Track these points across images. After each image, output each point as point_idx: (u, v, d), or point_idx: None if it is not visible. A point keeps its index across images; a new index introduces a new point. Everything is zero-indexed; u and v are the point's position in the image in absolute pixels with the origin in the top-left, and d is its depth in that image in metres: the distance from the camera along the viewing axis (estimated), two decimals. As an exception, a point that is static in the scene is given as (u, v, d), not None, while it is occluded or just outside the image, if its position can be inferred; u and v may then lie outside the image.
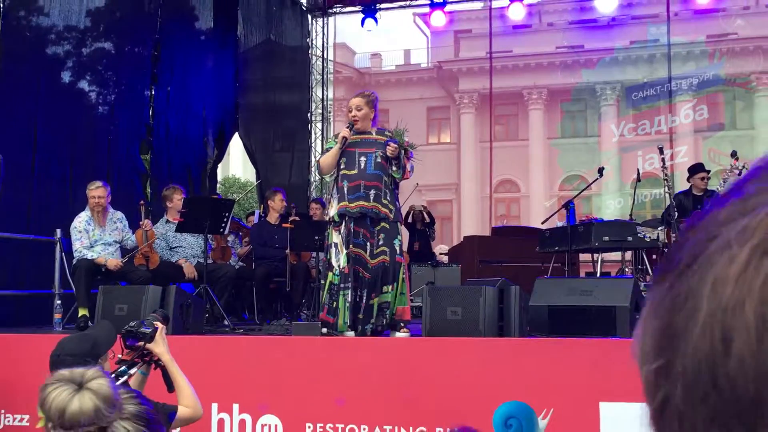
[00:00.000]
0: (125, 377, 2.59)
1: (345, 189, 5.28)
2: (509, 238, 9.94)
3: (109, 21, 8.97)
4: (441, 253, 11.47)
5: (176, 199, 7.35)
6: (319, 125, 13.11)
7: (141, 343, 2.72)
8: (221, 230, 7.08)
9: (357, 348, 5.06)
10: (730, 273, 0.37)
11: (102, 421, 1.43)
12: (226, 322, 6.56)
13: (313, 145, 12.95)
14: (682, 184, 8.69)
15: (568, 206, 7.14)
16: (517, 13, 11.74)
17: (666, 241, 6.82)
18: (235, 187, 23.65)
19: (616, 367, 4.40)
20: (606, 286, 5.22)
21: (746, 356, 0.35)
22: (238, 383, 4.95)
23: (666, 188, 6.65)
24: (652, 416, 0.42)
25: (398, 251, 5.29)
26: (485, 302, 4.92)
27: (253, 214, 10.22)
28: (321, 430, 4.76)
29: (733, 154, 7.18)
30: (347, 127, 5.40)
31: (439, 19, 12.25)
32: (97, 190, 6.69)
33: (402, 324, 5.31)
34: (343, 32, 15.01)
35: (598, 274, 6.97)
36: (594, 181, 8.36)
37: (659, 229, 6.72)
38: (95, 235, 6.68)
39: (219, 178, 15.31)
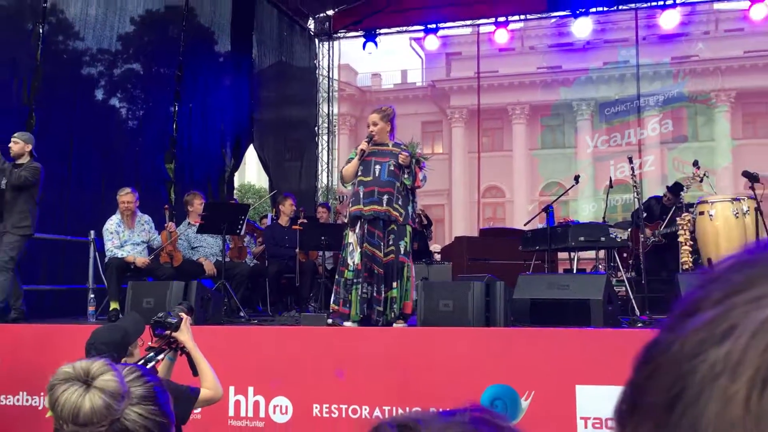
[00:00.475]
0: (153, 362, 2.60)
1: (361, 194, 5.28)
2: (495, 239, 9.93)
3: (138, 45, 8.98)
4: (435, 252, 11.46)
5: (196, 204, 7.35)
6: (325, 137, 13.10)
7: (168, 332, 2.73)
8: (238, 231, 7.08)
9: (359, 337, 5.05)
10: (732, 415, 0.29)
11: (114, 415, 1.35)
12: (242, 314, 6.55)
13: (319, 155, 12.94)
14: (650, 191, 8.70)
15: (548, 210, 7.13)
16: (502, 38, 11.74)
17: (632, 240, 6.82)
18: (250, 193, 23.62)
19: (591, 354, 4.40)
20: (581, 281, 5.22)
21: None
22: (252, 368, 4.94)
23: (635, 194, 6.64)
24: None
25: (402, 251, 5.26)
26: (474, 296, 4.92)
27: (266, 217, 10.21)
28: (327, 409, 4.76)
29: (695, 164, 7.18)
30: (366, 140, 5.40)
31: (432, 42, 12.25)
32: (126, 196, 6.69)
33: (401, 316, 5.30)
34: (346, 54, 15.03)
35: (575, 271, 6.96)
36: (571, 188, 8.36)
37: (629, 230, 6.72)
38: (125, 236, 6.67)
39: (235, 184, 15.31)
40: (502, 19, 11.48)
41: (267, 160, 11.48)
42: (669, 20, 11.15)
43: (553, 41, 24.45)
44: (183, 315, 2.78)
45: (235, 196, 12.68)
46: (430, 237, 10.90)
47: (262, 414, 4.87)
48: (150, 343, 2.73)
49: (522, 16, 12.08)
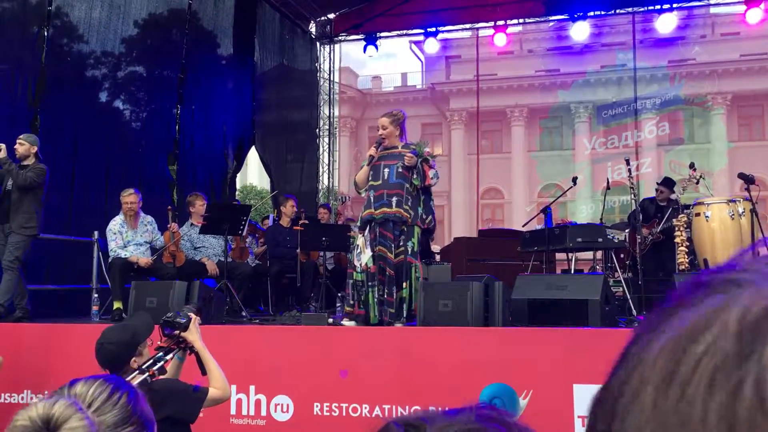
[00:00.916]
0: (162, 362, 2.60)
1: (372, 198, 5.28)
2: (494, 239, 9.93)
3: (141, 47, 8.98)
4: (434, 253, 11.45)
5: (198, 205, 7.35)
6: (326, 139, 13.10)
7: (177, 332, 2.73)
8: (240, 232, 7.08)
9: (359, 336, 5.05)
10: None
11: None
12: (243, 314, 6.55)
13: (320, 156, 12.94)
14: (647, 192, 8.70)
15: (546, 211, 7.13)
16: (501, 41, 11.75)
17: (629, 241, 6.82)
18: (252, 194, 23.62)
19: (588, 353, 4.40)
20: (579, 282, 5.22)
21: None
22: (254, 367, 4.95)
23: (632, 195, 6.65)
24: None
25: (410, 252, 5.25)
26: (473, 296, 4.92)
27: (267, 218, 10.22)
28: (327, 408, 4.76)
29: (691, 166, 7.18)
30: (375, 145, 5.39)
31: (432, 46, 12.26)
32: (129, 197, 6.69)
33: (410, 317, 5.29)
34: (347, 57, 15.06)
35: (572, 271, 6.96)
36: (569, 189, 8.35)
37: (626, 231, 6.72)
38: (128, 237, 6.67)
39: (237, 186, 15.31)
40: (501, 22, 11.48)
41: (268, 162, 11.48)
42: (666, 24, 11.16)
43: (551, 45, 24.46)
44: (192, 315, 2.78)
45: (237, 198, 12.68)
46: (432, 238, 10.89)
47: (263, 412, 4.87)
48: (159, 343, 2.74)
49: (521, 20, 12.08)
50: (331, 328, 5.21)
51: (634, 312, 5.67)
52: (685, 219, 6.38)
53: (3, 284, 5.88)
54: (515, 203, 25.28)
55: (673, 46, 21.60)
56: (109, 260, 6.63)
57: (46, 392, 5.22)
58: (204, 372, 2.78)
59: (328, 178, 13.01)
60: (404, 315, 5.21)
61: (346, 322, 5.28)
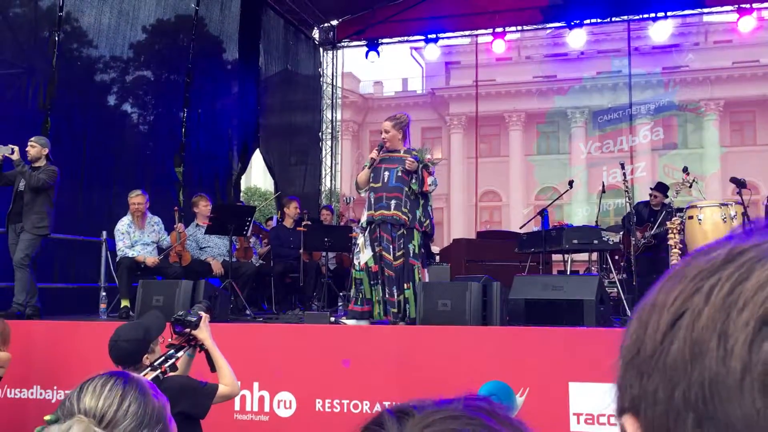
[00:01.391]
0: (173, 359, 2.61)
1: (372, 200, 5.28)
2: (492, 241, 9.93)
3: (149, 52, 9.00)
4: (434, 254, 11.46)
5: (202, 205, 7.35)
6: (329, 142, 13.11)
7: (187, 330, 2.73)
8: (244, 233, 7.08)
9: (360, 334, 5.06)
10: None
11: None
12: (248, 312, 6.56)
13: (323, 159, 12.95)
14: (641, 196, 8.70)
15: (543, 213, 7.14)
16: (499, 48, 11.76)
17: (623, 244, 6.83)
18: (256, 196, 23.63)
19: (584, 352, 4.41)
20: (575, 283, 5.23)
21: (652, 334, 0.43)
22: (257, 364, 4.95)
23: (627, 198, 6.65)
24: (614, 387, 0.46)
25: (411, 254, 5.24)
26: (471, 296, 4.93)
27: (271, 219, 10.22)
28: (329, 404, 4.77)
29: (685, 170, 7.18)
30: (377, 148, 5.38)
31: (432, 52, 12.28)
32: (137, 198, 6.70)
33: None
34: (349, 63, 15.01)
35: (568, 272, 6.97)
36: (565, 192, 8.36)
37: (620, 233, 6.72)
38: (135, 237, 6.68)
39: (242, 187, 15.30)
40: (499, 30, 11.49)
41: (272, 164, 11.49)
42: (660, 32, 11.16)
43: (548, 51, 24.49)
44: (202, 314, 2.79)
45: (241, 199, 12.68)
46: (432, 240, 10.89)
47: (266, 408, 4.87)
48: (170, 340, 2.74)
49: (519, 27, 12.10)
50: (332, 327, 5.21)
51: (629, 312, 5.67)
52: (679, 222, 6.38)
53: (18, 284, 5.90)
54: (513, 206, 25.29)
55: (667, 53, 21.63)
56: (117, 259, 6.64)
57: (55, 387, 5.24)
58: (213, 369, 2.79)
59: (331, 180, 13.02)
60: (408, 315, 5.21)
61: (347, 321, 5.29)
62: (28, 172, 5.91)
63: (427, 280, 5.41)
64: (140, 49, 8.77)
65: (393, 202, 5.20)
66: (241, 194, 13.17)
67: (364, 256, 5.23)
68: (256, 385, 4.91)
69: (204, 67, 9.69)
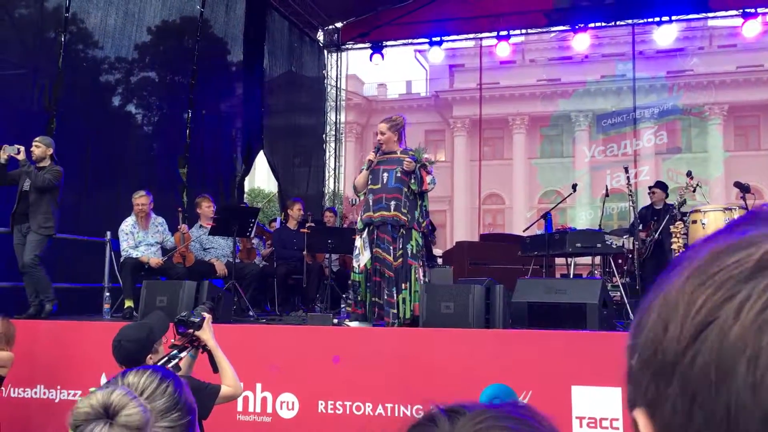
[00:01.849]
0: (177, 360, 2.61)
1: (370, 201, 5.28)
2: (495, 244, 9.93)
3: (154, 54, 9.02)
4: (436, 256, 11.46)
5: (205, 206, 7.36)
6: (333, 144, 13.13)
7: (191, 331, 2.74)
8: (248, 234, 7.09)
9: (363, 336, 5.06)
10: (675, 286, 0.42)
11: None
12: (251, 313, 6.57)
13: (327, 161, 12.96)
14: (644, 200, 8.69)
15: (546, 217, 7.14)
16: (503, 51, 11.77)
17: (630, 247, 6.82)
18: (260, 198, 23.65)
19: (586, 356, 4.40)
20: (578, 286, 5.22)
21: (673, 338, 0.40)
22: (260, 365, 4.96)
23: (630, 202, 6.65)
24: (625, 376, 0.46)
25: (409, 254, 5.25)
26: (474, 298, 4.93)
27: (275, 220, 10.23)
28: (331, 405, 4.77)
29: (689, 174, 7.18)
30: (373, 151, 5.39)
31: (436, 55, 12.29)
32: (141, 198, 6.72)
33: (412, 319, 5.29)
34: (353, 65, 15.04)
35: (571, 276, 6.95)
36: (568, 196, 8.36)
37: (624, 237, 6.72)
38: (139, 237, 6.69)
39: (246, 189, 15.32)
40: (504, 33, 11.50)
41: (276, 166, 11.50)
42: (665, 36, 11.17)
43: (552, 55, 24.48)
44: (205, 315, 2.79)
45: (245, 200, 12.70)
46: (434, 242, 10.89)
47: (269, 409, 4.88)
48: (173, 341, 2.75)
49: (523, 31, 12.10)
50: (335, 329, 5.22)
51: (632, 316, 5.66)
52: (682, 226, 6.38)
53: (29, 287, 5.92)
54: (516, 209, 25.27)
55: (671, 57, 21.62)
56: (121, 260, 6.65)
57: (58, 387, 5.26)
58: (216, 370, 2.79)
59: (334, 182, 13.03)
60: (406, 316, 5.21)
61: (350, 323, 5.29)
62: (34, 172, 5.93)
63: (425, 279, 5.41)
64: (145, 51, 8.79)
65: (393, 203, 5.21)
66: (245, 196, 13.19)
67: (363, 258, 5.24)
68: (259, 386, 4.91)
69: (208, 69, 9.71)
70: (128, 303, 6.35)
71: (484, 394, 4.50)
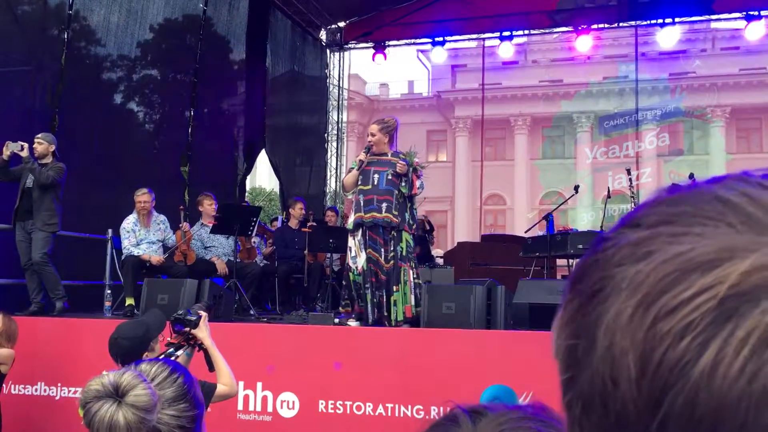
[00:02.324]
0: (173, 358, 2.61)
1: (361, 202, 5.28)
2: (496, 244, 9.93)
3: (156, 52, 9.02)
4: (437, 257, 11.46)
5: (206, 204, 7.36)
6: (335, 144, 13.14)
7: (187, 329, 2.74)
8: (249, 233, 7.09)
9: (364, 336, 5.06)
10: (619, 324, 0.34)
11: (148, 425, 1.32)
12: (252, 312, 6.57)
13: (329, 160, 12.97)
14: (646, 201, 8.66)
15: (548, 218, 7.14)
16: (506, 51, 11.77)
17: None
18: (262, 197, 23.66)
19: (587, 357, 4.39)
20: (579, 287, 5.20)
21: (628, 399, 0.33)
22: (261, 364, 4.96)
23: (632, 204, 6.65)
24: (562, 407, 0.41)
25: (399, 256, 5.26)
26: (475, 299, 4.93)
27: (276, 219, 10.24)
28: (332, 405, 4.77)
29: (691, 176, 7.19)
30: (364, 151, 5.39)
31: (439, 55, 12.28)
32: (143, 196, 6.72)
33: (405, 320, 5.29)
34: (356, 65, 15.05)
35: (573, 277, 6.94)
36: (570, 197, 8.36)
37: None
38: (141, 235, 6.70)
39: (247, 188, 15.34)
40: (506, 33, 11.51)
41: (278, 165, 11.51)
42: (667, 38, 11.17)
43: (555, 56, 24.47)
44: (202, 313, 2.79)
45: (247, 199, 12.70)
46: (432, 242, 10.89)
47: (269, 408, 4.88)
48: (169, 339, 2.75)
49: (526, 32, 12.11)
50: (336, 328, 5.22)
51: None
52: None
53: (47, 281, 5.93)
54: (517, 210, 25.27)
55: (674, 59, 21.61)
56: (123, 258, 6.65)
57: (59, 384, 5.26)
58: (212, 368, 2.79)
59: (336, 181, 13.03)
60: (398, 318, 5.21)
61: (351, 323, 5.30)
62: (37, 168, 5.93)
63: (418, 280, 5.40)
64: (148, 48, 8.79)
65: (384, 204, 5.21)
66: (246, 195, 13.19)
67: (360, 259, 5.25)
68: (259, 385, 4.91)
69: (211, 67, 9.72)
70: (129, 301, 6.36)
71: (484, 395, 4.50)
